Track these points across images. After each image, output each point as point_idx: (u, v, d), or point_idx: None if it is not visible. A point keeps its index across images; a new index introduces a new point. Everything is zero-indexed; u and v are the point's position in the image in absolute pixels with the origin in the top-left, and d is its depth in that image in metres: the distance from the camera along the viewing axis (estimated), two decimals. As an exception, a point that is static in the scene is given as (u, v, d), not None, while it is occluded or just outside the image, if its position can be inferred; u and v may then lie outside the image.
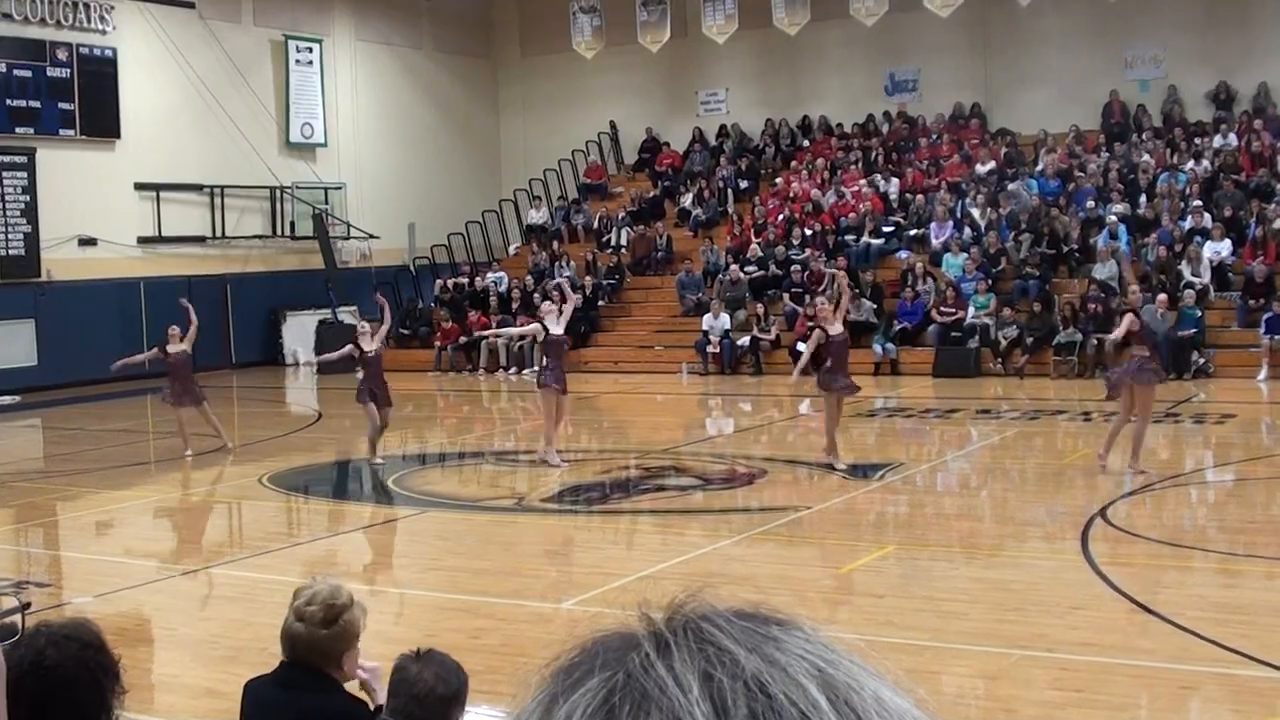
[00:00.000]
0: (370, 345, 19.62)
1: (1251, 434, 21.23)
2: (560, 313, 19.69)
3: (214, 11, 35.55)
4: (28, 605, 1.50)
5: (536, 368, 19.66)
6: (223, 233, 35.63)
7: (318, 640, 4.92)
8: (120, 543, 16.08)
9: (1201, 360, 26.98)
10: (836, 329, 18.40)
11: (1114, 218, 30.85)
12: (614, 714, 0.95)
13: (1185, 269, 28.92)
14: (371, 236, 38.35)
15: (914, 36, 37.32)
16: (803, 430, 23.16)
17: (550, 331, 19.32)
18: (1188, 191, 31.45)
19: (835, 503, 16.13)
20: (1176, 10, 34.78)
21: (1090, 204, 31.77)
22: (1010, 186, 33.54)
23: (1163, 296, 27.38)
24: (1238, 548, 13.42)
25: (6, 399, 28.64)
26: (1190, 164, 32.60)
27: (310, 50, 38.12)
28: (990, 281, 30.28)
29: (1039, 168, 34.40)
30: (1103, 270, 29.47)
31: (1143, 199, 31.82)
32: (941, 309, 29.82)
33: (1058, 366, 28.24)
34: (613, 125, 42.13)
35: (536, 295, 34.36)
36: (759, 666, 0.95)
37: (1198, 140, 33.58)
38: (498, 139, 44.21)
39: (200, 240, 35.19)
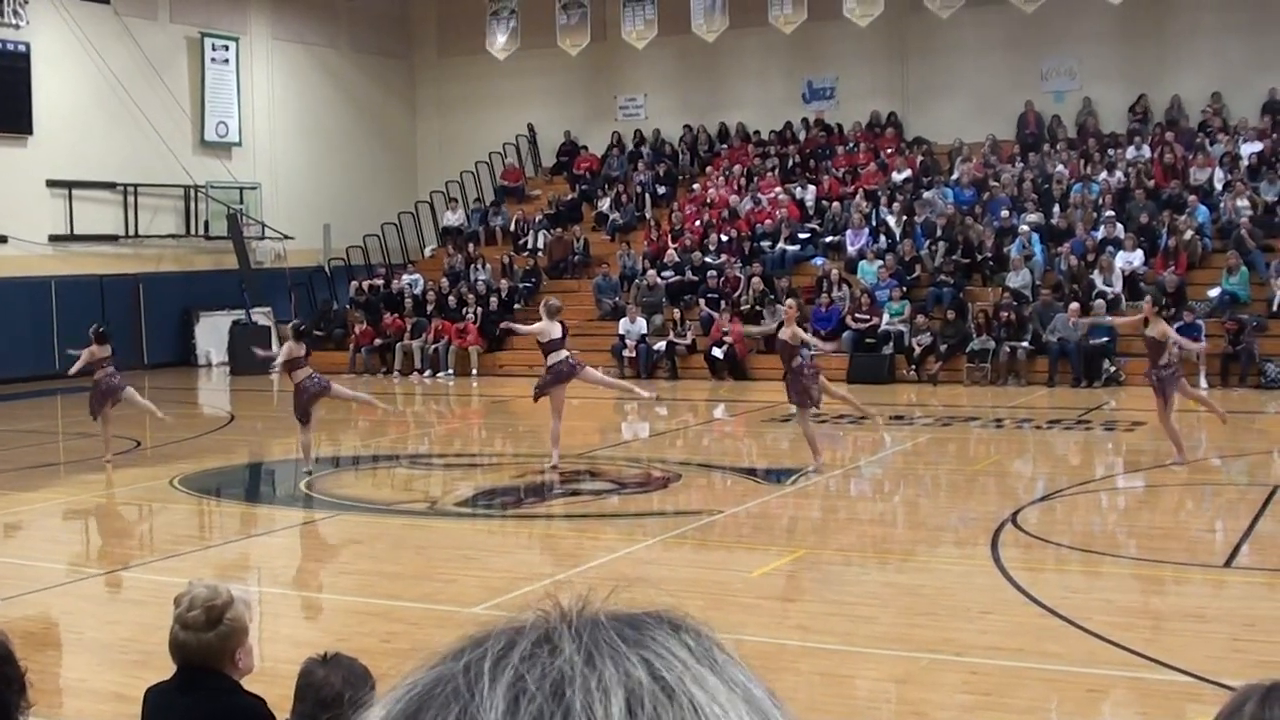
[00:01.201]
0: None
1: (1161, 441, 21.41)
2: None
3: (129, 8, 35.21)
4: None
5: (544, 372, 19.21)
6: (136, 232, 35.27)
7: (206, 644, 4.90)
8: (28, 545, 15.87)
9: (1113, 368, 27.30)
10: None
11: (1027, 227, 31.15)
12: (424, 708, 0.95)
13: (1097, 278, 29.23)
14: (286, 237, 38.10)
15: (832, 45, 37.55)
16: (718, 435, 23.22)
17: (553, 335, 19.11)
18: (1100, 202, 31.80)
19: (749, 507, 16.17)
20: (1092, 23, 35.13)
21: (1004, 213, 32.04)
22: (926, 195, 33.80)
23: (1075, 305, 27.68)
24: (1146, 553, 13.57)
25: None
26: (1103, 175, 32.98)
27: (226, 48, 37.82)
28: (905, 289, 30.51)
29: (954, 176, 34.69)
30: (1016, 279, 29.77)
31: (1056, 209, 32.13)
32: (856, 316, 29.98)
33: (971, 374, 28.49)
34: (531, 128, 42.08)
35: (452, 298, 34.33)
36: (571, 670, 0.95)
37: (1111, 151, 33.98)
38: (414, 140, 44.05)
39: (113, 239, 34.82)
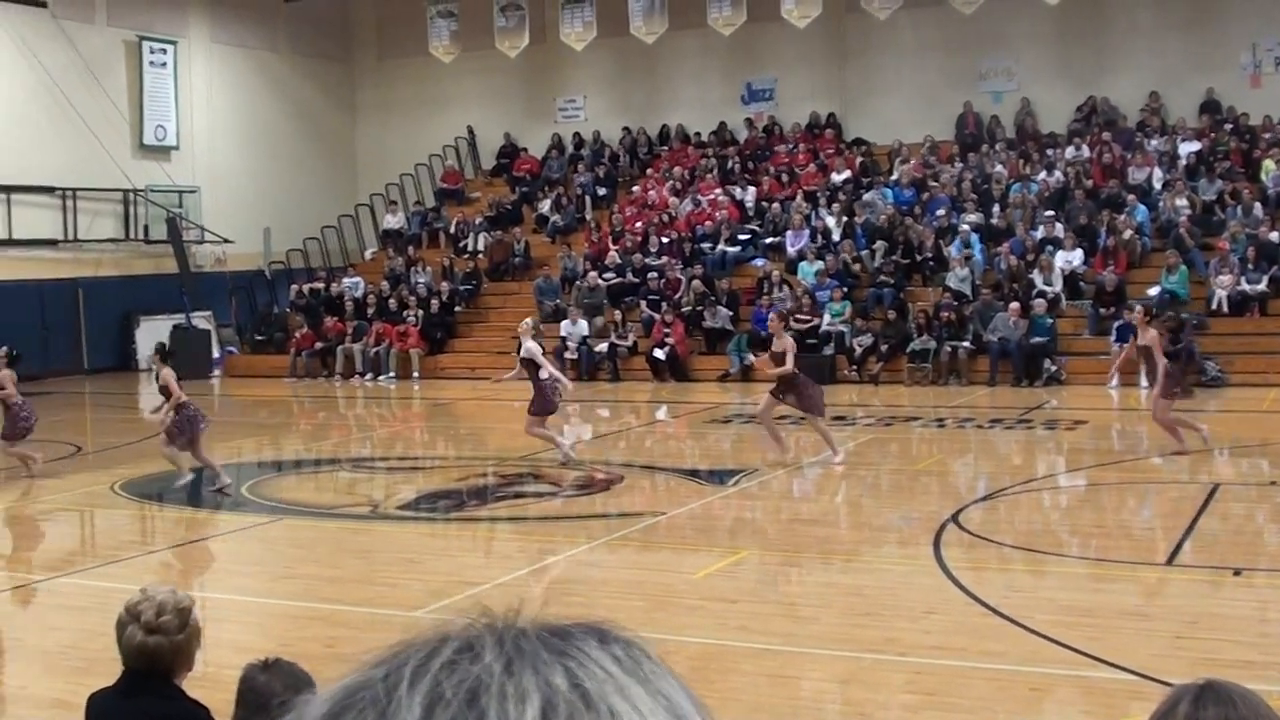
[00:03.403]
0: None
1: (1102, 440, 21.63)
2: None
3: (66, 10, 34.95)
4: None
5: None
6: (75, 236, 35.02)
7: (177, 646, 4.93)
8: (-34, 552, 15.75)
9: (1054, 368, 27.48)
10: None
11: (967, 227, 31.33)
12: (343, 713, 0.96)
13: (1037, 278, 29.44)
14: (226, 241, 37.87)
15: (771, 46, 37.65)
16: (660, 436, 23.24)
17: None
18: (1039, 202, 32.01)
19: (691, 508, 16.20)
20: (1030, 24, 35.36)
21: (943, 213, 32.21)
22: (865, 196, 33.92)
23: (1015, 305, 27.95)
24: (1088, 552, 13.66)
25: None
26: (1042, 174, 33.20)
27: (165, 51, 37.57)
28: (845, 289, 30.61)
29: (894, 177, 34.84)
30: (956, 278, 29.93)
31: (996, 208, 32.33)
32: (797, 316, 30.04)
33: (912, 374, 28.62)
34: (470, 130, 42.01)
35: (392, 301, 34.23)
36: (489, 677, 0.95)
37: (1050, 151, 34.20)
38: (354, 143, 43.91)
39: (52, 243, 34.54)
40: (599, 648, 0.99)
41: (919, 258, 31.28)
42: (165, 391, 18.14)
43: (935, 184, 33.84)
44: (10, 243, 33.56)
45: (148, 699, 4.95)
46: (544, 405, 19.38)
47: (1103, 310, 28.41)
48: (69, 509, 17.72)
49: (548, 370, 19.36)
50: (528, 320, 20.30)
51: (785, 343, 18.86)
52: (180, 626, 4.95)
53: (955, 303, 29.18)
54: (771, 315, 21.04)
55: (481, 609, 1.05)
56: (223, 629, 11.35)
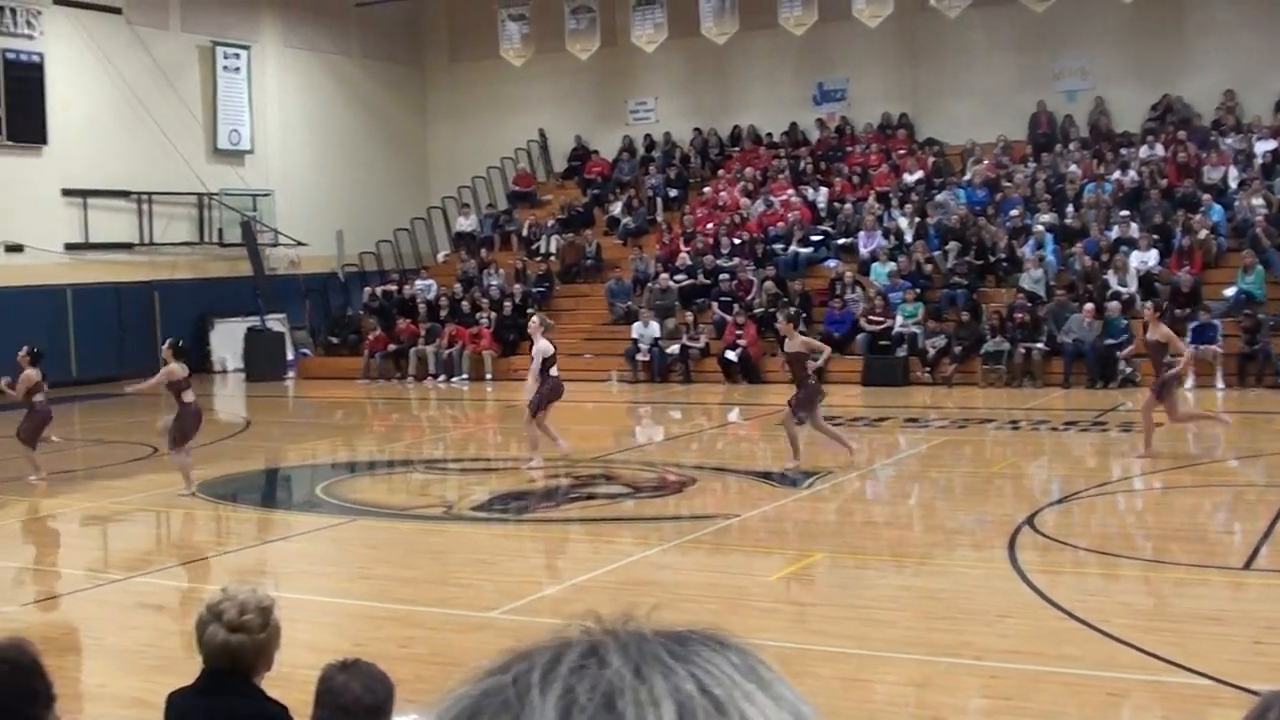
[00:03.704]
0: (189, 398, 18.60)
1: (1177, 442, 21.41)
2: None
3: (142, 17, 35.28)
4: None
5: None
6: (151, 239, 35.34)
7: (260, 645, 4.98)
8: (48, 551, 15.93)
9: (1128, 369, 27.21)
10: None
11: (1041, 227, 31.11)
12: (476, 716, 0.96)
13: (1112, 278, 29.20)
14: (300, 244, 38.12)
15: (842, 46, 37.53)
16: (732, 438, 23.22)
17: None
18: (1113, 202, 31.75)
19: (764, 510, 16.17)
20: (1104, 22, 35.07)
21: (1017, 213, 32.01)
22: (938, 196, 33.76)
23: (1089, 306, 27.72)
24: (1164, 555, 13.55)
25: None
26: (1117, 174, 32.92)
27: (238, 56, 37.88)
28: (918, 290, 30.45)
29: (966, 177, 34.65)
30: (1029, 279, 29.73)
31: (1070, 208, 32.08)
32: (870, 318, 29.95)
33: (985, 375, 28.44)
34: (542, 133, 42.11)
35: (465, 303, 34.36)
36: (622, 683, 0.95)
37: (1124, 150, 33.92)
38: (426, 146, 44.10)
39: (128, 247, 34.89)
40: (718, 653, 1.00)
41: (992, 258, 31.09)
42: (172, 386, 18.11)
43: (1009, 184, 33.62)
44: (87, 246, 33.91)
45: (227, 698, 4.99)
46: (541, 401, 19.56)
47: (1178, 311, 28.12)
48: (146, 509, 17.88)
49: (533, 374, 19.55)
50: (537, 318, 20.54)
51: (797, 343, 18.84)
52: (262, 625, 4.99)
53: (1029, 304, 28.97)
54: (780, 317, 21.17)
55: (593, 615, 1.05)
56: (297, 629, 11.39)
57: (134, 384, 19.61)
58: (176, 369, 18.05)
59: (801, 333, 19.86)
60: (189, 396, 18.19)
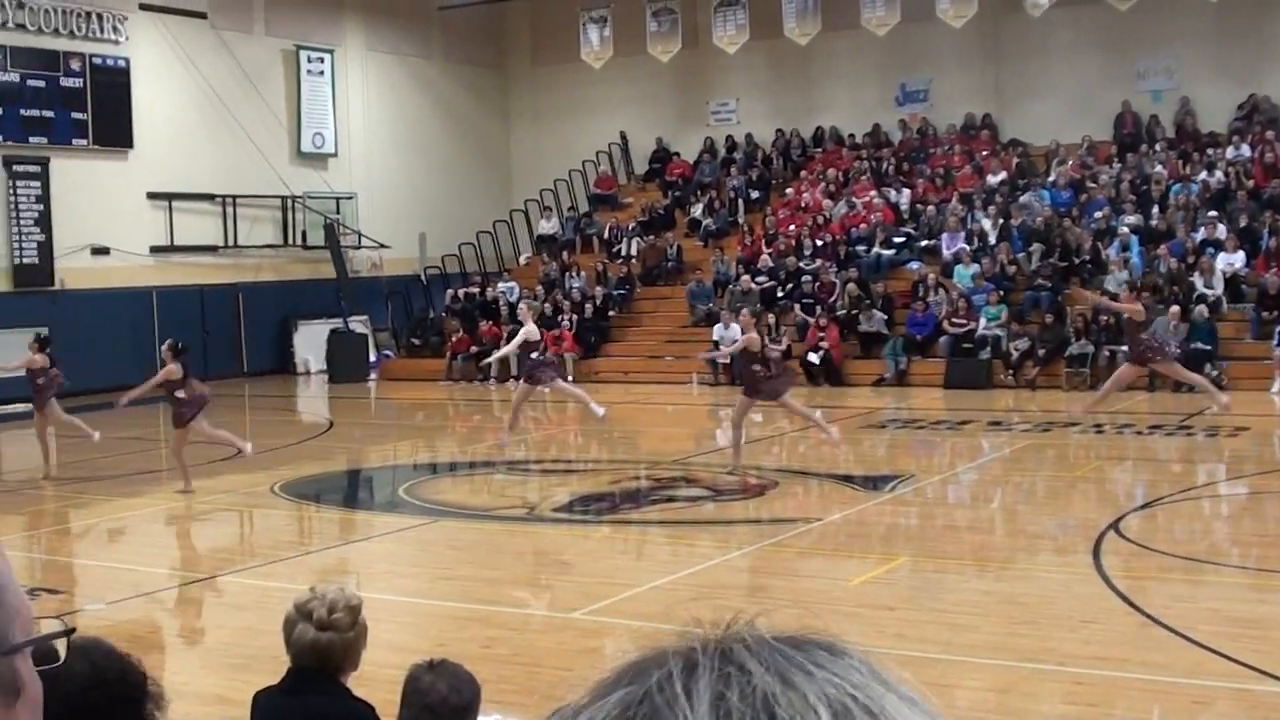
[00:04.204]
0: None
1: (1265, 447, 21.18)
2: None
3: (226, 22, 35.62)
4: (72, 630, 1.48)
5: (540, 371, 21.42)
6: (235, 242, 35.66)
7: (348, 643, 5.02)
8: (131, 550, 16.09)
9: (1215, 373, 26.87)
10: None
11: (1126, 229, 30.82)
12: None
13: (1198, 281, 28.87)
14: (382, 246, 38.36)
15: (925, 46, 37.31)
16: (813, 441, 23.12)
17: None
18: (1199, 203, 31.42)
19: (846, 514, 16.11)
20: (1189, 21, 34.70)
21: (1101, 215, 31.74)
22: (1022, 197, 33.52)
23: (1175, 308, 27.36)
24: (1251, 561, 13.39)
25: (20, 405, 28.59)
26: (1203, 175, 32.57)
27: (322, 60, 38.17)
28: (1001, 293, 30.23)
29: (1051, 178, 34.38)
30: (1114, 281, 29.44)
31: (1155, 210, 31.78)
32: (952, 320, 29.78)
33: (1070, 379, 28.19)
34: (623, 135, 42.17)
35: (547, 305, 34.45)
36: (774, 690, 0.95)
37: (1210, 151, 33.55)
38: (508, 149, 44.25)
39: (212, 249, 35.23)
40: (839, 658, 1.00)
41: (1077, 260, 30.82)
42: (168, 386, 18.35)
43: (1093, 185, 33.35)
44: (173, 249, 34.26)
45: (314, 697, 5.02)
46: (536, 379, 21.61)
47: (1265, 314, 27.79)
48: (229, 509, 18.05)
49: (509, 347, 22.75)
50: (524, 304, 21.84)
51: (754, 339, 19.56)
52: (351, 624, 5.03)
53: (1114, 306, 28.71)
54: (745, 312, 22.20)
55: (701, 619, 1.05)
56: (380, 629, 11.43)
57: (128, 393, 19.67)
58: (174, 369, 18.19)
59: (775, 341, 21.26)
60: (182, 394, 18.35)
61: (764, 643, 1.00)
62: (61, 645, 1.48)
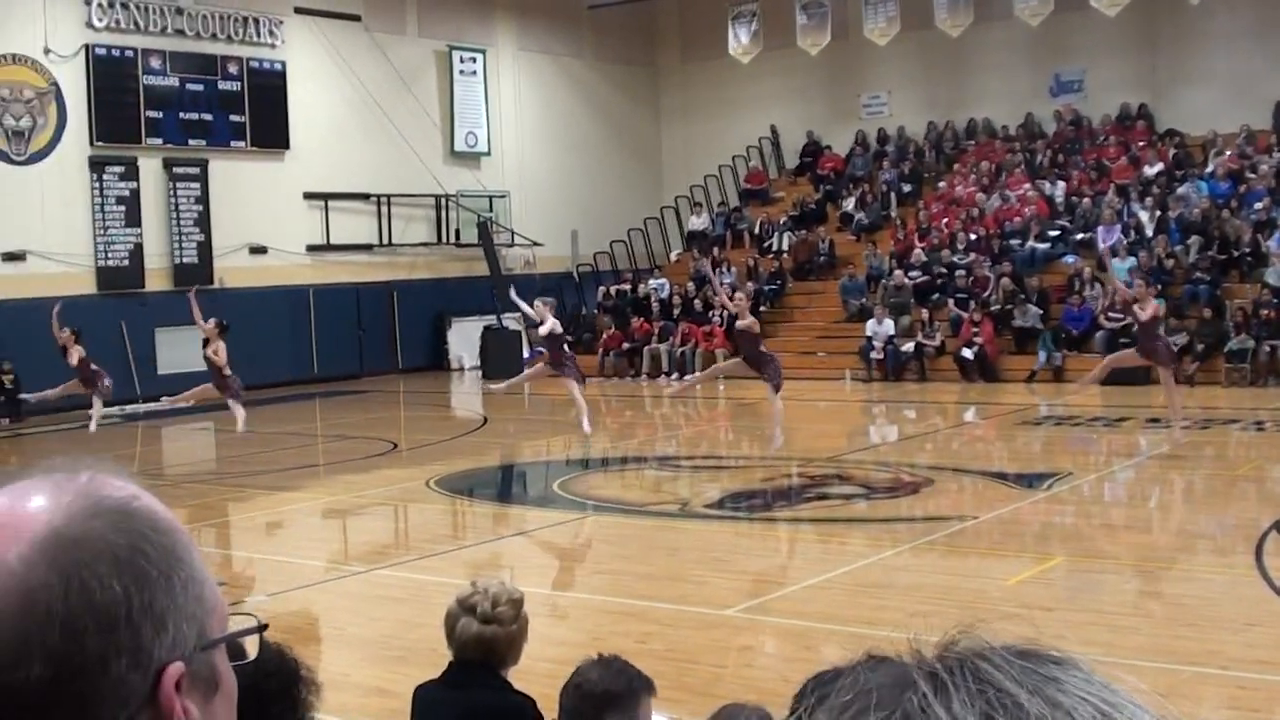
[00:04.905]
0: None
1: None
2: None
3: (380, 24, 36.07)
4: (265, 626, 1.51)
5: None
6: (389, 240, 36.12)
7: (511, 636, 5.09)
8: (290, 543, 16.35)
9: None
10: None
11: (1287, 220, 30.19)
12: None
13: (1363, 273, 28.20)
14: (535, 244, 38.62)
15: (1079, 36, 36.74)
16: (968, 438, 22.96)
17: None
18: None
19: (1001, 513, 15.94)
20: (1353, 7, 33.89)
21: (1261, 206, 31.06)
22: (1179, 189, 32.92)
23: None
24: None
25: (180, 401, 29.20)
26: (1367, 164, 31.80)
27: (474, 60, 38.52)
28: (1159, 286, 29.70)
29: (1208, 169, 33.72)
30: (1275, 274, 28.82)
31: (1317, 201, 31.08)
32: (1109, 314, 29.32)
33: (1229, 374, 27.65)
34: (773, 130, 42.05)
35: (698, 302, 34.48)
36: (1042, 710, 0.94)
37: (1375, 140, 32.74)
38: (659, 146, 44.33)
39: (367, 248, 35.70)
40: (1070, 672, 0.99)
41: (1236, 253, 30.21)
42: (210, 363, 20.41)
43: (1253, 175, 32.65)
44: (329, 247, 34.78)
45: (476, 690, 5.08)
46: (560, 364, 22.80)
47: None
48: (385, 503, 18.27)
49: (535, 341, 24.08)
50: (549, 299, 22.35)
51: (748, 321, 21.50)
52: (514, 617, 5.08)
53: (1275, 300, 28.10)
54: (739, 295, 23.61)
55: (959, 627, 1.05)
56: (536, 622, 11.51)
57: (180, 396, 22.88)
58: (223, 345, 21.72)
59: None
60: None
61: (1004, 658, 0.99)
62: (252, 641, 1.51)
